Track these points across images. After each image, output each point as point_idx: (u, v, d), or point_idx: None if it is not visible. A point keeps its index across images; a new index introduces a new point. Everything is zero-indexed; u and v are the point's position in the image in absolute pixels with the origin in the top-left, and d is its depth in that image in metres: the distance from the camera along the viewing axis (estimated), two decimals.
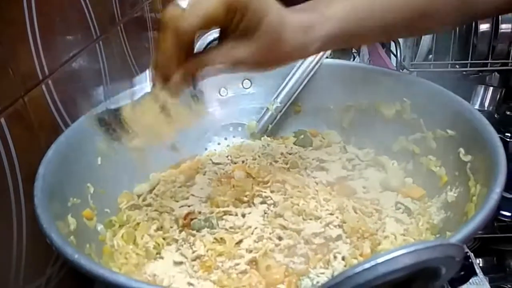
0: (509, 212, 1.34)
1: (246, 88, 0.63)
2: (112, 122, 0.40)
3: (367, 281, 0.24)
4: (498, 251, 1.38)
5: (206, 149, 0.61)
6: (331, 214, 0.47)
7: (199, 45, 0.74)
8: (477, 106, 1.15)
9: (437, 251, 0.24)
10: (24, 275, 0.42)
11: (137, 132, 0.40)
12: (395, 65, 1.03)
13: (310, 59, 0.60)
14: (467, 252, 0.56)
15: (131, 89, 0.44)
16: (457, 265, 0.27)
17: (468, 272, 0.54)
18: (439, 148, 0.50)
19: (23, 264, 0.42)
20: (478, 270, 0.58)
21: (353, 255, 0.43)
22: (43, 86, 0.46)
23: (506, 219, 1.35)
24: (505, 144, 1.23)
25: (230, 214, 0.48)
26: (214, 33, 0.72)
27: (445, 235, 0.42)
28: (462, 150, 0.46)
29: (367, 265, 0.23)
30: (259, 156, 0.58)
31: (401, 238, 0.45)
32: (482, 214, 0.32)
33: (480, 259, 1.38)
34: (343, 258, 0.43)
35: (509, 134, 1.12)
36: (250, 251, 0.43)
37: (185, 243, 0.45)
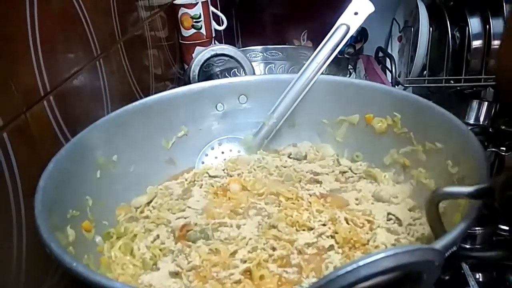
0: (507, 226, 1.34)
1: (242, 103, 0.64)
2: None
3: (349, 284, 0.25)
4: (498, 266, 1.38)
5: (203, 162, 0.63)
6: (323, 225, 0.48)
7: (198, 60, 0.76)
8: (472, 121, 1.16)
9: (416, 255, 0.25)
10: (23, 285, 0.43)
11: None
12: (390, 81, 1.05)
13: (306, 75, 0.62)
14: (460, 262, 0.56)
15: None
16: (437, 270, 0.28)
17: (460, 283, 0.55)
18: (428, 160, 0.51)
19: (23, 275, 0.43)
20: (472, 282, 0.59)
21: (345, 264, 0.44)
22: (45, 102, 0.47)
23: (504, 234, 1.35)
24: (501, 158, 1.24)
25: (225, 226, 0.49)
26: (211, 51, 0.74)
27: None
28: (450, 162, 0.47)
29: (349, 268, 0.25)
30: (254, 169, 0.59)
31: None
32: (464, 222, 0.33)
33: (480, 274, 1.37)
34: (335, 268, 0.44)
35: (504, 148, 1.13)
36: (244, 261, 0.44)
37: (180, 254, 0.46)
